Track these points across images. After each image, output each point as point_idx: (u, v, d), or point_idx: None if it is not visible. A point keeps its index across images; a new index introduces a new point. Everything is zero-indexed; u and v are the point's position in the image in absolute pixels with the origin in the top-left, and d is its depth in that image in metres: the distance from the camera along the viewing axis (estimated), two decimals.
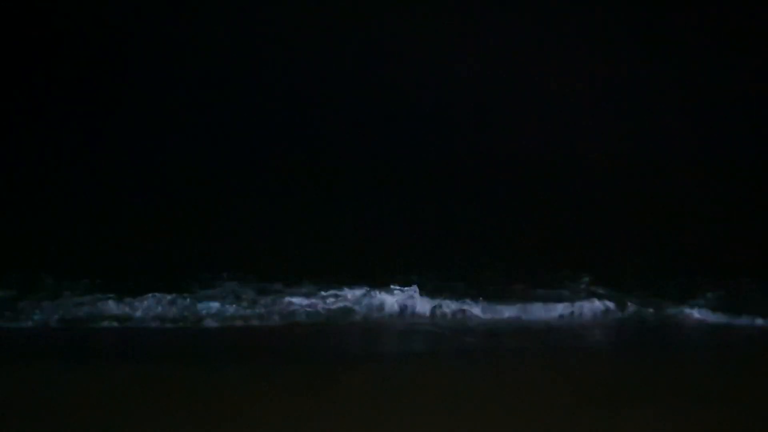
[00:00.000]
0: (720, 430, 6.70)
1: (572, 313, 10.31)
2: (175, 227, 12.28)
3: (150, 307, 9.85)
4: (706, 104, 14.78)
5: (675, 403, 7.23)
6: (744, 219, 12.87)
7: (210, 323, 9.66)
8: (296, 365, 8.22)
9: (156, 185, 13.50)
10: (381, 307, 10.23)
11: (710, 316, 10.37)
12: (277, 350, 8.98)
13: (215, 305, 9.97)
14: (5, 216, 12.13)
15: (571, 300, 10.50)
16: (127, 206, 12.91)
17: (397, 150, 14.65)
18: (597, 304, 10.43)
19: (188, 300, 9.99)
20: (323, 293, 10.32)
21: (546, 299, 10.50)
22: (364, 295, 10.32)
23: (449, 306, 10.22)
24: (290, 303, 10.10)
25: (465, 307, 10.22)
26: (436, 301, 10.27)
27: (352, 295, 10.32)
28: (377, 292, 10.34)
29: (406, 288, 10.42)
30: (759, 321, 10.14)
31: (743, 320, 10.19)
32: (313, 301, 10.18)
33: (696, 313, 10.39)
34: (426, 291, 10.42)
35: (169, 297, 9.99)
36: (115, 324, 9.54)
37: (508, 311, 10.24)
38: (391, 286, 10.42)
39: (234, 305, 9.98)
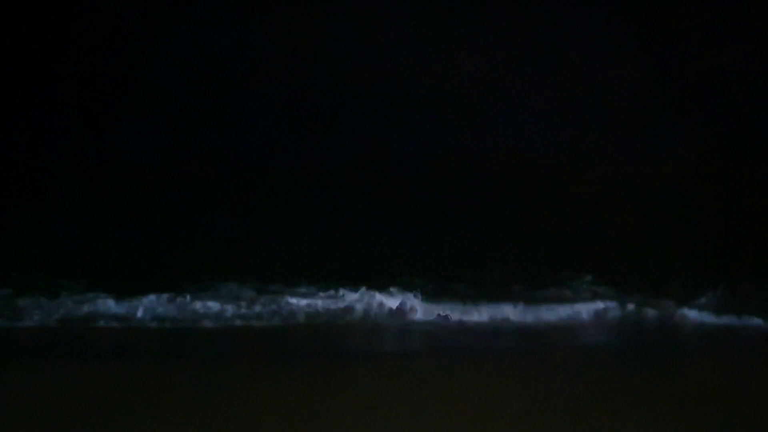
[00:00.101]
0: (720, 430, 6.69)
1: (573, 313, 10.31)
2: (175, 228, 12.27)
3: (150, 307, 9.85)
4: (706, 104, 14.76)
5: (675, 403, 7.22)
6: (744, 220, 12.86)
7: (209, 323, 9.66)
8: (295, 365, 8.22)
9: (156, 185, 13.49)
10: (380, 307, 10.22)
11: (710, 317, 10.36)
12: (276, 350, 8.97)
13: (215, 306, 9.97)
14: (5, 216, 12.12)
15: (572, 301, 10.50)
16: (127, 206, 12.90)
17: (397, 151, 14.63)
18: (597, 305, 10.42)
19: (188, 300, 9.99)
20: (322, 294, 10.32)
21: (546, 300, 10.49)
22: (364, 296, 10.32)
23: (449, 306, 10.21)
24: (290, 304, 10.10)
25: (464, 307, 10.21)
26: (436, 302, 10.27)
27: (351, 295, 10.32)
28: (376, 293, 10.34)
29: (405, 289, 10.42)
30: (759, 322, 10.14)
31: (743, 321, 10.19)
32: (312, 301, 10.19)
33: (696, 314, 10.38)
34: (425, 292, 10.41)
35: (168, 297, 9.99)
36: (114, 324, 9.53)
37: (508, 312, 10.24)
38: (391, 288, 10.42)
39: (234, 306, 9.98)
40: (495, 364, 8.49)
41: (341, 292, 10.38)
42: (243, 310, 9.92)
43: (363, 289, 10.40)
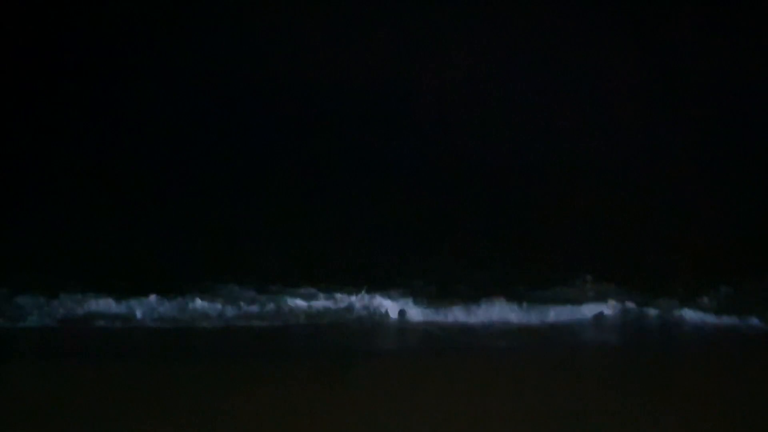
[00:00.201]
0: (720, 429, 6.69)
1: (573, 313, 10.31)
2: (175, 228, 12.26)
3: (150, 307, 9.85)
4: (708, 104, 14.75)
5: (676, 403, 7.22)
6: (745, 219, 12.85)
7: (209, 323, 9.66)
8: (295, 365, 8.21)
9: (156, 186, 13.47)
10: (380, 308, 10.22)
11: (711, 317, 10.36)
12: (276, 350, 8.96)
13: (215, 306, 9.97)
14: (4, 216, 12.11)
15: (572, 300, 10.50)
16: (127, 206, 12.88)
17: (396, 152, 14.61)
18: (598, 305, 10.42)
19: (187, 300, 9.99)
20: (322, 295, 10.31)
21: (547, 300, 10.49)
22: (364, 297, 10.31)
23: (449, 307, 10.20)
24: (290, 305, 10.10)
25: (465, 308, 10.20)
26: (436, 303, 10.26)
27: (352, 297, 10.32)
28: (377, 295, 10.34)
29: (405, 290, 10.42)
30: (760, 322, 10.14)
31: (744, 321, 10.18)
32: (312, 303, 10.18)
33: (697, 314, 10.38)
34: (425, 293, 10.41)
35: (168, 297, 9.99)
36: (114, 324, 9.53)
37: (508, 312, 10.23)
38: (391, 289, 10.42)
39: (233, 306, 9.98)
40: (495, 364, 8.49)
41: (341, 293, 10.37)
42: (243, 311, 9.91)
43: (363, 290, 10.39)
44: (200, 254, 11.44)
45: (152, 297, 9.97)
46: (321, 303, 10.20)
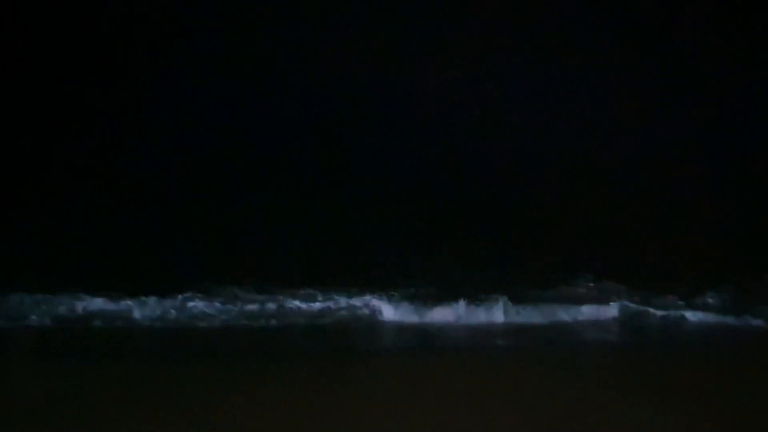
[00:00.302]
0: (720, 429, 6.68)
1: (575, 313, 10.29)
2: (174, 229, 12.26)
3: (149, 307, 9.84)
4: (710, 105, 14.76)
5: (677, 403, 7.21)
6: (747, 220, 12.85)
7: (209, 324, 9.65)
8: (295, 365, 8.20)
9: (156, 187, 13.46)
10: (380, 309, 10.20)
11: (713, 316, 10.35)
12: (276, 350, 8.96)
13: (214, 306, 9.96)
14: (3, 216, 12.10)
15: (574, 300, 10.49)
16: (127, 207, 12.87)
17: (396, 153, 14.62)
18: (599, 304, 10.41)
19: (187, 301, 9.98)
20: (321, 297, 10.30)
21: (548, 300, 10.48)
22: (364, 297, 10.30)
23: (449, 307, 10.19)
24: (289, 306, 10.09)
25: (465, 308, 10.18)
26: (436, 304, 10.24)
27: (351, 298, 10.30)
28: (377, 296, 10.32)
29: (405, 291, 10.40)
30: (761, 322, 10.13)
31: (745, 321, 10.18)
32: (312, 304, 10.17)
33: (698, 314, 10.37)
34: (425, 294, 10.39)
35: (168, 298, 9.98)
36: (113, 324, 9.52)
37: (509, 312, 10.22)
38: (391, 291, 10.41)
39: (233, 307, 9.97)
40: (495, 364, 8.47)
41: (341, 293, 10.36)
42: (242, 311, 9.91)
43: (362, 291, 10.38)
44: (200, 256, 11.42)
45: (152, 297, 9.94)
46: (320, 304, 10.18)
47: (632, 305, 10.44)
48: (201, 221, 12.55)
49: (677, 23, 14.92)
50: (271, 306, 10.02)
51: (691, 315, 10.37)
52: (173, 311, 9.83)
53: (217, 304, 9.96)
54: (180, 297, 10.00)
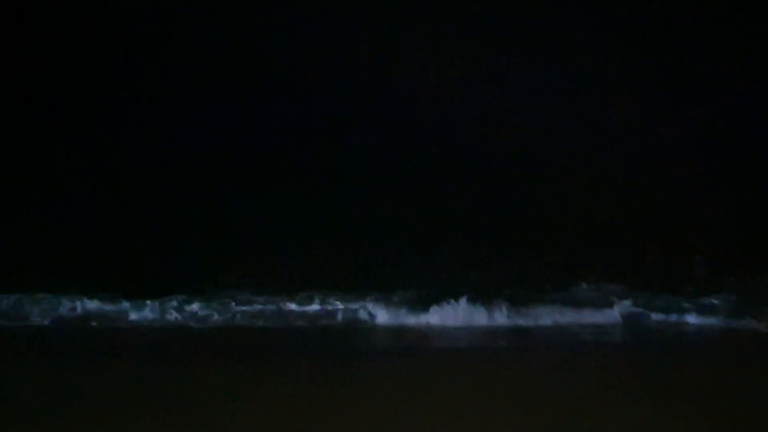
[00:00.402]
0: (722, 430, 6.67)
1: (575, 314, 10.28)
2: (174, 231, 12.27)
3: (149, 307, 9.85)
4: (712, 107, 14.78)
5: (677, 403, 7.20)
6: (747, 221, 12.84)
7: (208, 324, 9.66)
8: (295, 365, 8.20)
9: (156, 188, 13.48)
10: (380, 310, 10.19)
11: (713, 319, 10.33)
12: (276, 350, 8.95)
13: (214, 307, 9.96)
14: (2, 217, 12.12)
15: (574, 302, 10.47)
16: (126, 208, 12.88)
17: (396, 154, 14.64)
18: (600, 307, 10.39)
19: (184, 302, 9.98)
20: (319, 300, 10.29)
21: (549, 301, 10.46)
22: (364, 298, 10.30)
23: (448, 309, 10.17)
24: (288, 307, 10.09)
25: (465, 310, 10.17)
26: (436, 304, 10.23)
27: (351, 299, 10.30)
28: (378, 296, 10.32)
29: (405, 293, 10.41)
30: (762, 325, 10.11)
31: (745, 322, 10.16)
32: (311, 306, 10.16)
33: (699, 316, 10.35)
34: (425, 296, 10.38)
35: (168, 298, 9.99)
36: (113, 324, 9.53)
37: (510, 314, 10.20)
38: (391, 293, 10.41)
39: (232, 307, 9.98)
40: (496, 366, 8.45)
41: (341, 296, 10.35)
42: (240, 312, 9.92)
43: (363, 292, 10.38)
44: (200, 257, 11.44)
45: (150, 298, 9.95)
46: (318, 306, 10.18)
47: (633, 307, 10.42)
48: (200, 223, 12.57)
49: (677, 23, 14.93)
50: (268, 308, 10.02)
51: (692, 317, 10.34)
52: (172, 312, 9.84)
53: (216, 306, 9.96)
54: (178, 298, 10.01)
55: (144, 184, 13.47)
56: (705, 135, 14.38)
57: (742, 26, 14.81)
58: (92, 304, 9.83)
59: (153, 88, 14.96)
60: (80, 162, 13.78)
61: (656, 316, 10.35)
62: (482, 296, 10.31)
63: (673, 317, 10.35)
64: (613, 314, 10.32)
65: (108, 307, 9.80)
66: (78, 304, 9.81)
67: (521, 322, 10.06)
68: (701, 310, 10.43)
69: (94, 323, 9.57)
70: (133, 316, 9.75)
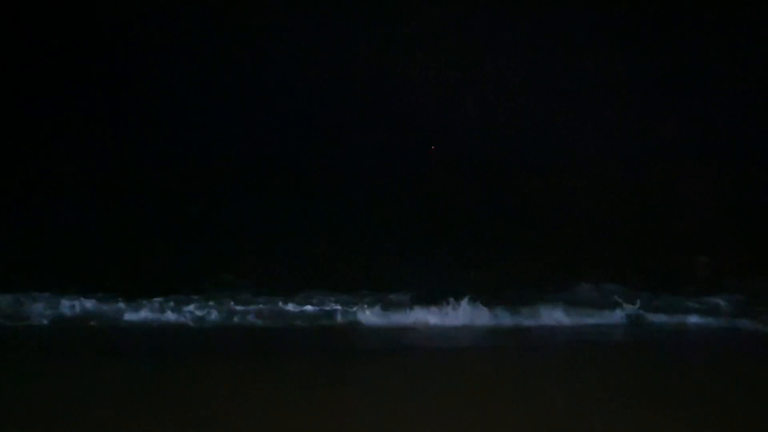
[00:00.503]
0: (720, 429, 6.65)
1: (576, 315, 10.25)
2: (174, 231, 12.28)
3: (150, 307, 9.85)
4: (713, 110, 14.78)
5: (677, 404, 7.18)
6: (748, 222, 12.85)
7: (208, 324, 9.65)
8: (295, 365, 8.19)
9: (154, 189, 13.49)
10: (380, 310, 10.18)
11: (714, 319, 10.32)
12: (276, 350, 8.95)
13: (214, 307, 9.96)
14: (3, 218, 12.14)
15: (575, 302, 10.45)
16: (126, 209, 12.90)
17: (395, 155, 14.65)
18: (601, 307, 10.38)
19: (182, 302, 9.99)
20: (316, 300, 10.28)
21: (549, 301, 10.44)
22: (364, 298, 10.29)
23: (448, 309, 10.16)
24: (287, 307, 10.08)
25: (465, 310, 10.15)
26: (435, 305, 10.22)
27: (351, 299, 10.29)
28: (377, 297, 10.31)
29: (405, 293, 10.40)
30: (763, 326, 10.09)
31: (745, 323, 10.15)
32: (310, 306, 10.15)
33: (700, 317, 10.34)
34: (425, 296, 10.38)
35: (167, 299, 9.99)
36: (115, 324, 9.53)
37: (508, 314, 10.18)
38: (391, 293, 10.40)
39: (229, 308, 9.98)
40: (496, 366, 8.43)
41: (341, 296, 10.34)
42: (239, 312, 9.91)
43: (363, 293, 10.37)
44: (199, 258, 11.45)
45: (149, 298, 9.95)
46: (316, 306, 10.17)
47: (634, 307, 10.41)
48: (199, 224, 12.58)
49: (677, 23, 14.93)
50: (267, 308, 10.02)
51: (693, 317, 10.32)
52: (170, 312, 9.84)
53: (215, 305, 9.96)
54: (176, 298, 10.02)
55: (143, 185, 13.49)
56: (706, 135, 14.38)
57: (742, 26, 14.80)
58: (91, 304, 9.83)
59: (153, 89, 14.99)
60: (79, 162, 13.80)
61: (657, 317, 10.33)
62: (483, 296, 10.29)
63: (674, 317, 10.33)
64: (614, 314, 10.30)
65: (107, 307, 9.80)
66: (77, 303, 9.81)
67: (522, 321, 10.04)
68: (702, 311, 10.42)
69: (93, 323, 9.57)
70: (132, 315, 9.75)
